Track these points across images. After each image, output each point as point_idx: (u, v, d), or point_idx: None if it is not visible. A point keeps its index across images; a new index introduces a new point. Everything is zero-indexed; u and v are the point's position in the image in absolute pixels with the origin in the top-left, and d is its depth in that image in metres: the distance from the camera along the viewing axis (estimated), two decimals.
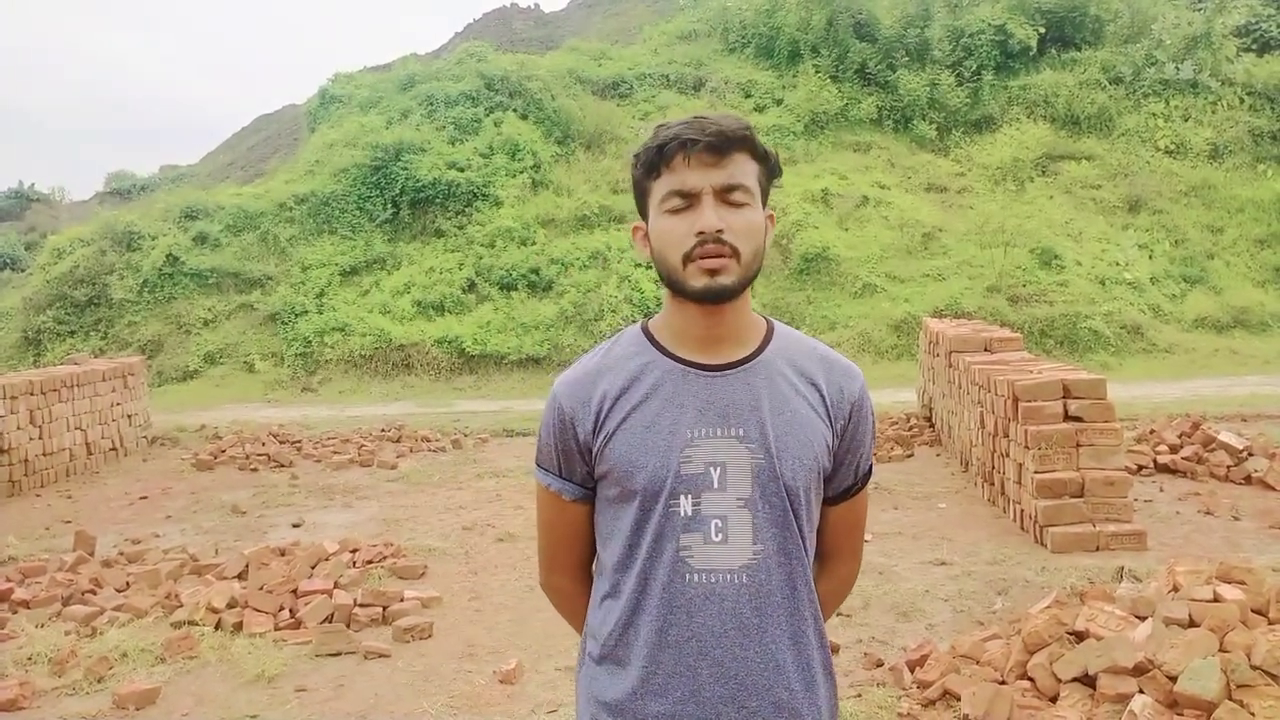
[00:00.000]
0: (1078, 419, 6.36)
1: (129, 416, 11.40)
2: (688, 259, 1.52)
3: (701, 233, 1.50)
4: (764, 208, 1.58)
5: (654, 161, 1.54)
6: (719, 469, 1.55)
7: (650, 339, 1.64)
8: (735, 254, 1.52)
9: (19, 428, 9.28)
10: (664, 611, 1.55)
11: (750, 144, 1.54)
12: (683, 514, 1.54)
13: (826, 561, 1.72)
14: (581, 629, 1.73)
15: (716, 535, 1.54)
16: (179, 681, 4.51)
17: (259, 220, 19.29)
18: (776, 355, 1.62)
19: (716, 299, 1.54)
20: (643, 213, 1.62)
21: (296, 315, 17.43)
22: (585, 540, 1.72)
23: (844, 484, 1.69)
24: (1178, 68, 21.83)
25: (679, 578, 1.54)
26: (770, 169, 1.59)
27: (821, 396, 1.62)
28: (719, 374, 1.58)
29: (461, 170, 19.62)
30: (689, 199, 1.52)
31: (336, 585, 5.55)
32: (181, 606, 5.33)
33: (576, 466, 1.65)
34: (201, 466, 10.07)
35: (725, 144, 1.51)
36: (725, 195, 1.52)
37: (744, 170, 1.54)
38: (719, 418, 1.56)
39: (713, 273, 1.51)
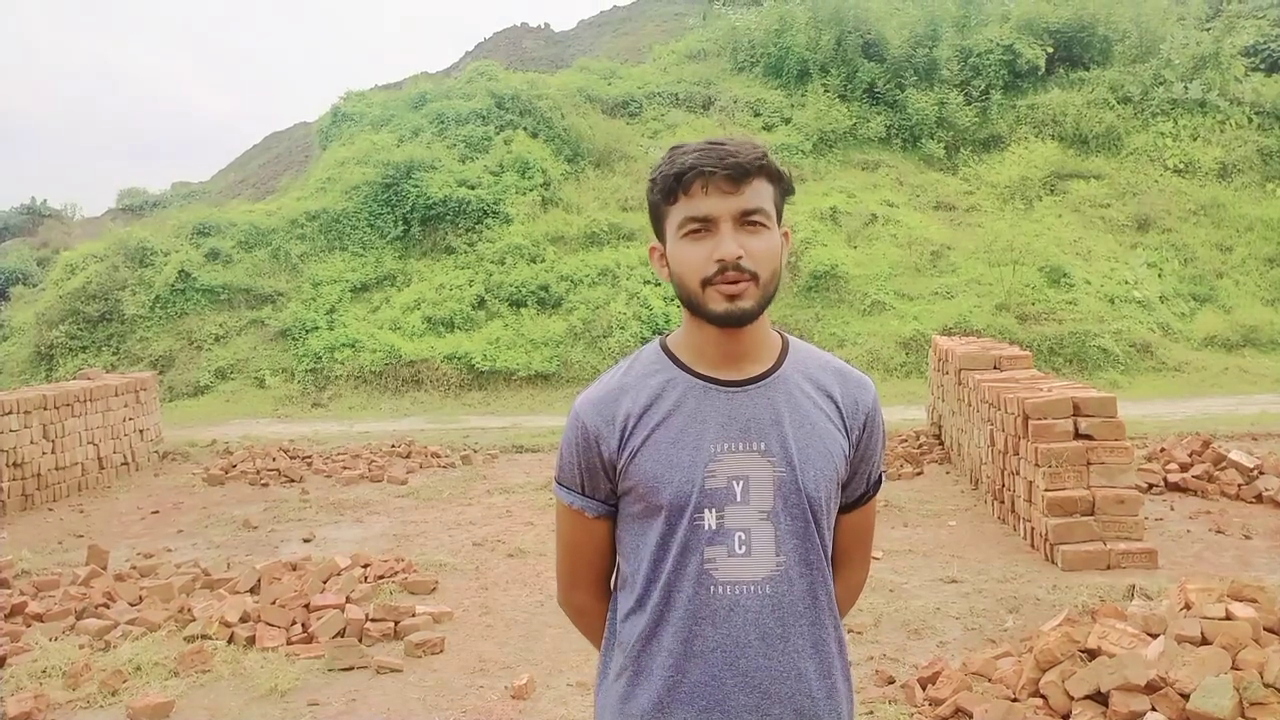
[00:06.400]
0: (1088, 437, 6.36)
1: (141, 431, 11.46)
2: (707, 284, 1.55)
3: (721, 260, 1.53)
4: (779, 226, 1.61)
5: (671, 188, 1.56)
6: (741, 483, 1.58)
7: (670, 356, 1.66)
8: (754, 278, 1.55)
9: (32, 442, 9.33)
10: (689, 623, 1.58)
11: (766, 170, 1.57)
12: (707, 528, 1.57)
13: (837, 569, 1.75)
14: (600, 645, 1.75)
15: (740, 548, 1.58)
16: (192, 695, 4.54)
17: (270, 237, 19.40)
18: (794, 370, 1.66)
19: (737, 323, 1.57)
20: (659, 235, 1.65)
21: (307, 331, 17.50)
22: (606, 556, 1.74)
23: (857, 492, 1.74)
24: (1186, 87, 21.87)
25: (704, 590, 1.57)
26: (784, 188, 1.62)
27: (837, 408, 1.66)
28: (740, 390, 1.62)
29: (472, 188, 19.72)
30: (707, 224, 1.54)
31: (348, 600, 5.57)
32: (194, 620, 5.36)
33: (600, 484, 1.66)
34: (212, 481, 10.10)
35: (743, 174, 1.54)
36: (743, 220, 1.55)
37: (761, 194, 1.56)
38: (741, 433, 1.60)
39: (732, 298, 1.54)
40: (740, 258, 1.53)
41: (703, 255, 1.54)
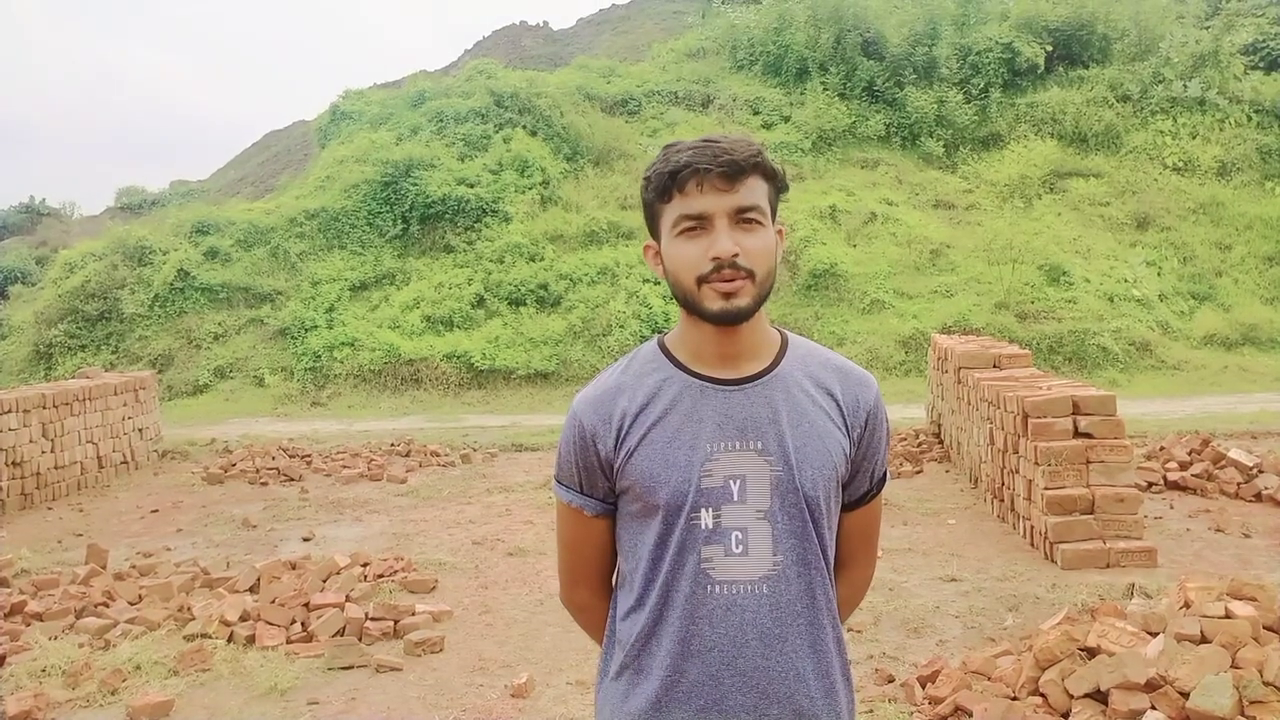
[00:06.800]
0: (1088, 435, 6.37)
1: (140, 430, 11.45)
2: (703, 281, 1.54)
3: (717, 258, 1.52)
4: (773, 223, 1.60)
5: (666, 186, 1.56)
6: (738, 482, 1.58)
7: (667, 355, 1.66)
8: (750, 276, 1.54)
9: (31, 441, 9.33)
10: (687, 622, 1.58)
11: (761, 167, 1.56)
12: (704, 527, 1.57)
13: (842, 567, 1.75)
14: (603, 642, 1.75)
15: (737, 547, 1.57)
16: (192, 694, 4.54)
17: (269, 235, 19.40)
18: (793, 367, 1.65)
19: (733, 321, 1.56)
20: (653, 233, 1.65)
21: (306, 330, 17.49)
22: (606, 554, 1.74)
23: (860, 491, 1.73)
24: (1185, 85, 21.87)
25: (701, 589, 1.57)
26: (779, 185, 1.61)
27: (838, 406, 1.65)
28: (736, 388, 1.61)
29: (471, 186, 19.72)
30: (703, 222, 1.54)
31: (348, 599, 5.57)
32: (194, 619, 5.36)
33: (598, 482, 1.66)
34: (212, 480, 10.10)
35: (738, 171, 1.53)
36: (738, 217, 1.54)
37: (755, 191, 1.56)
38: (738, 431, 1.59)
39: (728, 295, 1.53)
40: (736, 255, 1.52)
41: (698, 253, 1.54)
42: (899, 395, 13.91)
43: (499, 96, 22.03)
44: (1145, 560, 6.05)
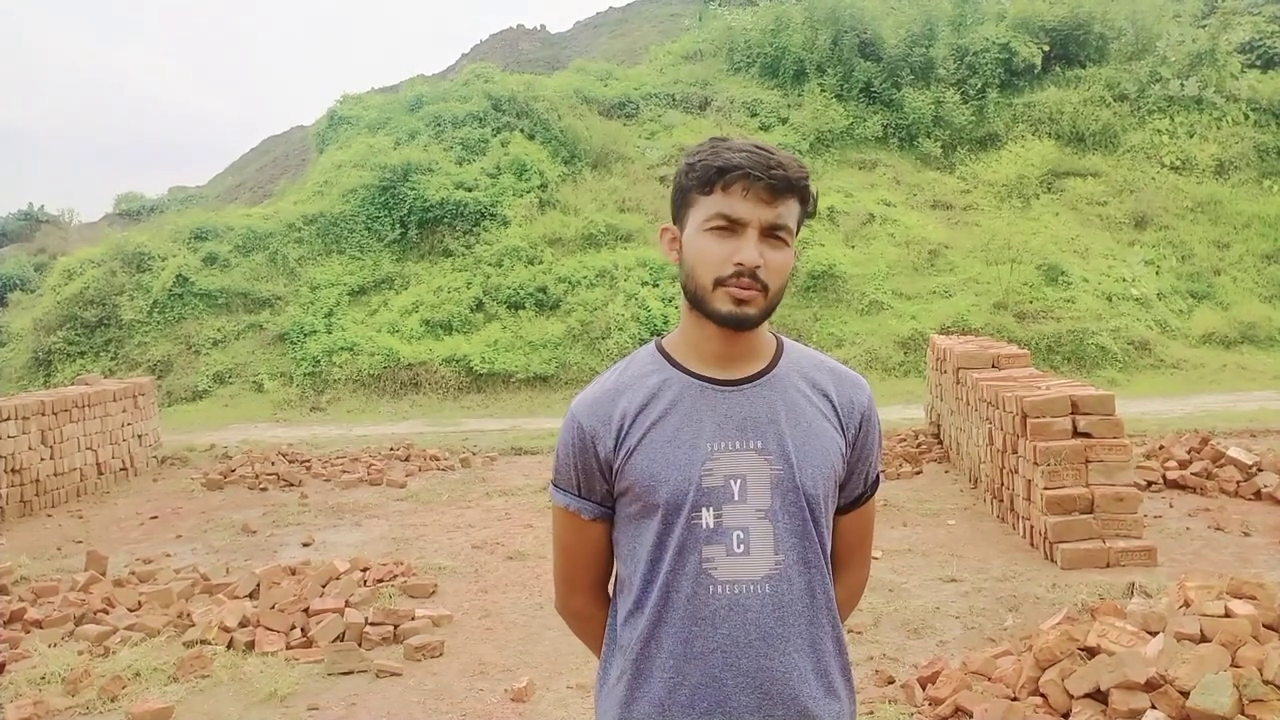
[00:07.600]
0: (1087, 435, 6.37)
1: (139, 436, 11.44)
2: (719, 284, 1.55)
3: (740, 264, 1.54)
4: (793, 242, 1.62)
5: (711, 179, 1.56)
6: (739, 481, 1.58)
7: (666, 356, 1.67)
8: (764, 290, 1.56)
9: (30, 448, 9.32)
10: (689, 624, 1.58)
11: (804, 191, 1.58)
12: (705, 526, 1.58)
13: (838, 571, 1.76)
14: (599, 651, 1.75)
15: (738, 547, 1.58)
16: (192, 701, 4.53)
17: (268, 241, 19.39)
18: (789, 369, 1.67)
19: (738, 327, 1.58)
20: (677, 217, 1.65)
21: (305, 335, 17.48)
22: (602, 560, 1.74)
23: (855, 493, 1.74)
24: (1182, 84, 21.88)
25: (702, 590, 1.57)
26: (808, 210, 1.63)
27: (834, 407, 1.67)
28: (735, 389, 1.63)
29: (469, 190, 19.72)
30: (735, 226, 1.55)
31: (348, 604, 5.56)
32: (193, 626, 5.35)
33: (596, 485, 1.66)
34: (211, 486, 10.09)
35: (785, 188, 1.55)
36: (769, 233, 1.56)
37: (791, 212, 1.58)
38: (737, 431, 1.60)
39: (740, 302, 1.55)
40: (758, 267, 1.54)
41: (723, 254, 1.55)
42: (898, 396, 13.91)
43: (496, 100, 22.04)
44: (1145, 559, 6.05)
